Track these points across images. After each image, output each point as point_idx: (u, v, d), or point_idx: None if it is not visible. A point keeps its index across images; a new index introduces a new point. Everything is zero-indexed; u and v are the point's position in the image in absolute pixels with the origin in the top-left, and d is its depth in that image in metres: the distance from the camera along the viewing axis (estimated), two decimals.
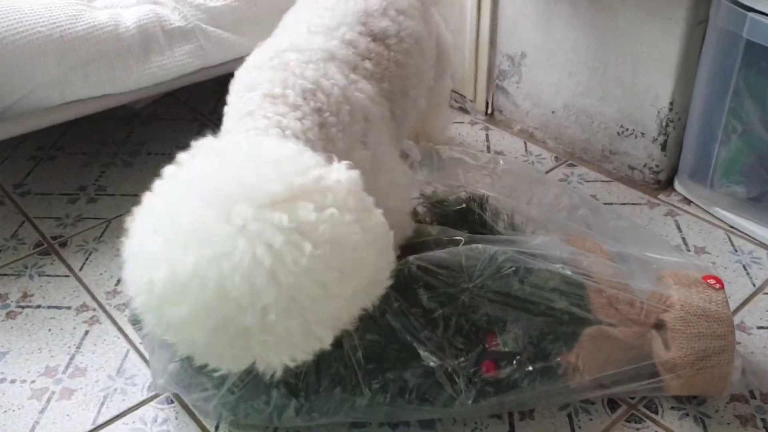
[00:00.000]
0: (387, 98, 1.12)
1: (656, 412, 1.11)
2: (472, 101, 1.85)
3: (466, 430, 1.08)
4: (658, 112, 1.49)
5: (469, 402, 1.00)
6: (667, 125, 1.50)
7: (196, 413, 1.13)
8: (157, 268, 0.75)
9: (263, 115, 0.93)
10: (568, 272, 1.09)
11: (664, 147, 1.52)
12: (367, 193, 0.83)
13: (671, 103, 1.47)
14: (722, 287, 1.07)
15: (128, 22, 1.48)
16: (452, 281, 1.02)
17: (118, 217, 1.53)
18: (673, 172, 1.56)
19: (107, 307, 1.33)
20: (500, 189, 1.18)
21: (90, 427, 1.12)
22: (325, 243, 0.74)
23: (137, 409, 1.15)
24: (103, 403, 1.15)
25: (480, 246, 1.03)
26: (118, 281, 1.39)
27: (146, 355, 1.20)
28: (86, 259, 1.44)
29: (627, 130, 1.56)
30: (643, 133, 1.54)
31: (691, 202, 1.52)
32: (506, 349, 1.02)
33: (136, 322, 1.13)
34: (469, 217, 1.14)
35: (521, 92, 1.74)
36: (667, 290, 1.07)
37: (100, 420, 1.13)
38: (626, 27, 1.47)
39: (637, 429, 1.08)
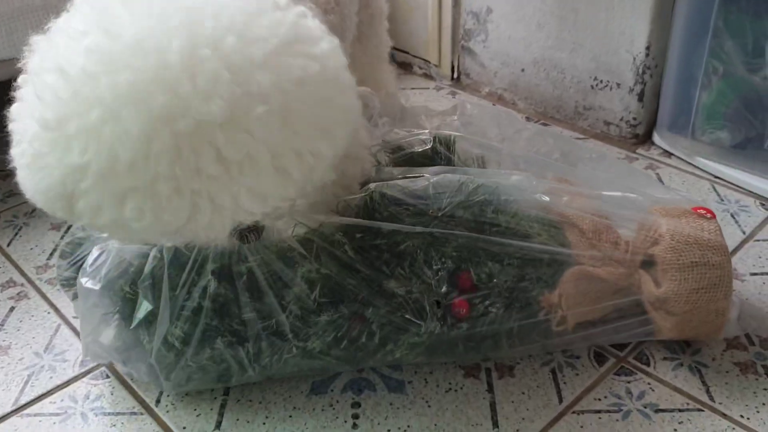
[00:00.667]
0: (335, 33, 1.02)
1: (647, 364, 1.00)
2: (436, 66, 1.75)
3: (440, 391, 0.96)
4: (634, 59, 1.40)
5: (438, 328, 0.88)
6: (643, 72, 1.40)
7: (134, 387, 1.00)
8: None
9: None
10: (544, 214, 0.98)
11: (641, 97, 1.43)
12: None
13: (647, 48, 1.38)
14: (714, 217, 0.97)
15: None
16: (419, 211, 0.90)
17: None
18: (652, 124, 1.46)
19: (37, 282, 1.20)
20: (469, 133, 1.07)
21: (10, 408, 0.98)
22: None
23: (67, 386, 1.01)
24: (27, 382, 1.02)
25: (448, 175, 0.92)
26: (51, 254, 1.25)
27: (76, 325, 1.07)
28: (15, 234, 1.31)
29: (601, 82, 1.47)
30: (618, 84, 1.45)
31: (672, 154, 1.43)
32: (479, 285, 0.91)
33: (65, 282, 1.00)
34: (435, 159, 1.03)
35: (488, 52, 1.64)
36: (655, 221, 0.96)
37: (23, 400, 0.99)
38: None
39: (628, 382, 0.97)
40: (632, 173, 1.12)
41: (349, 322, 0.89)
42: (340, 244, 0.88)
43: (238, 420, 0.94)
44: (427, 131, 1.05)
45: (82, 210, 0.69)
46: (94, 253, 0.95)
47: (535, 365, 1.00)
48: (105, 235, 0.96)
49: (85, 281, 0.93)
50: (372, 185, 0.91)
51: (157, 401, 0.98)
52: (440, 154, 1.04)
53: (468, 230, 0.92)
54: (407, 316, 0.88)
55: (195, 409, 0.96)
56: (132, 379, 1.01)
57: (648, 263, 0.99)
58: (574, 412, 0.93)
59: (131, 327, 0.93)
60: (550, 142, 1.08)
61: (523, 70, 1.58)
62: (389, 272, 0.89)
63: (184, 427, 0.94)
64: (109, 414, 0.97)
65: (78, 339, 1.08)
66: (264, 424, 0.94)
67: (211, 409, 0.96)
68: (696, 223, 0.96)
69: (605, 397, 0.95)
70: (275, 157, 0.69)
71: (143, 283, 0.91)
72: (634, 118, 1.45)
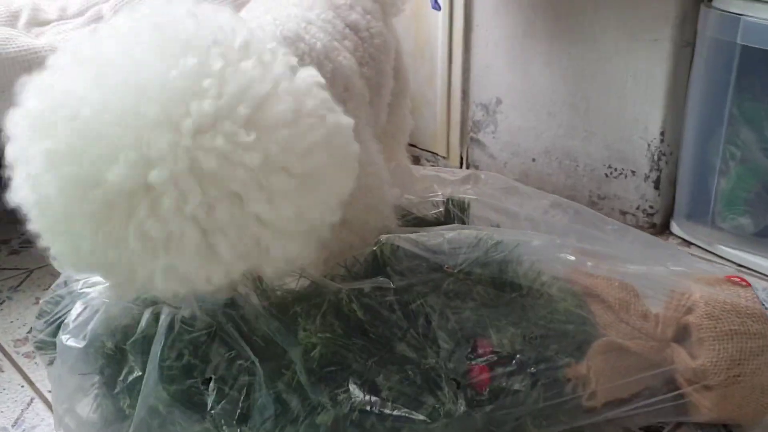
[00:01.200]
0: (367, 83, 1.00)
1: None
2: (445, 158, 1.72)
3: None
4: (649, 146, 1.37)
5: (460, 410, 0.78)
6: (659, 159, 1.37)
7: None
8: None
9: None
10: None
11: (657, 185, 1.39)
12: None
13: (662, 134, 1.35)
14: (749, 286, 0.90)
15: None
16: (434, 266, 0.83)
17: (43, 268, 1.33)
18: (669, 213, 1.41)
19: (13, 356, 1.10)
20: (484, 200, 1.01)
21: None
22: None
23: None
24: None
25: (465, 231, 0.85)
26: (30, 329, 1.16)
27: (51, 399, 0.97)
28: None
29: (615, 170, 1.43)
30: (633, 171, 1.41)
31: (692, 243, 1.37)
32: (501, 352, 0.82)
33: (40, 345, 0.92)
34: (448, 222, 0.97)
35: (498, 143, 1.61)
36: (687, 288, 0.89)
37: None
38: (609, 56, 1.37)
39: None
40: (658, 245, 1.05)
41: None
42: (347, 302, 0.80)
43: None
44: (440, 194, 0.99)
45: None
46: (78, 308, 0.87)
47: None
48: (88, 289, 0.89)
49: (66, 338, 0.85)
50: (383, 237, 0.84)
51: None
52: (454, 217, 0.98)
53: (486, 290, 0.85)
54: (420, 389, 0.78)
55: None
56: None
57: (681, 336, 0.91)
58: None
59: (114, 392, 0.84)
60: (570, 213, 1.02)
61: (534, 159, 1.55)
62: (401, 335, 0.81)
63: None
64: None
65: (51, 414, 0.97)
66: None
67: None
68: (732, 290, 0.89)
69: None
70: (205, 233, 0.62)
71: (133, 344, 0.82)
72: (651, 207, 1.40)
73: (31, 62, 1.29)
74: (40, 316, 0.92)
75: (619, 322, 0.93)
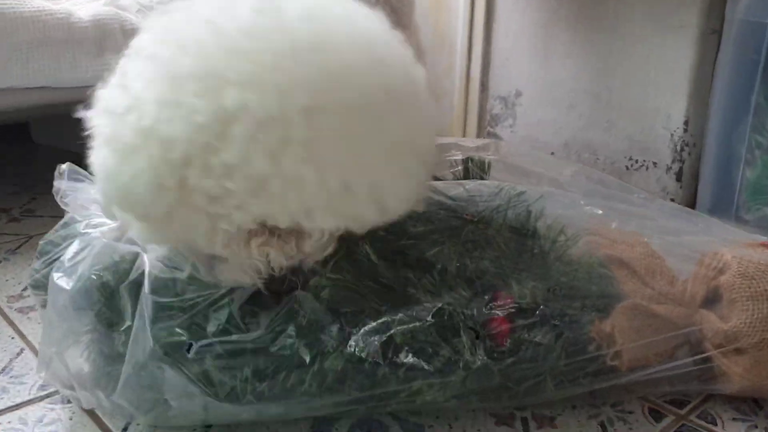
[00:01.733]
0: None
1: (714, 423, 0.83)
2: None
3: None
4: (672, 135, 1.33)
5: (478, 362, 0.72)
6: (681, 150, 1.33)
7: (99, 414, 0.84)
8: None
9: None
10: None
11: (679, 177, 1.34)
12: None
13: (686, 123, 1.31)
14: None
15: (83, 14, 1.33)
16: (453, 213, 0.78)
17: (43, 234, 1.28)
18: (691, 205, 1.36)
19: (6, 309, 1.05)
20: (505, 161, 0.97)
21: None
22: None
23: (18, 408, 0.84)
24: None
25: (486, 182, 0.81)
26: (26, 288, 1.12)
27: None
28: None
29: (636, 162, 1.39)
30: (655, 163, 1.37)
31: None
32: (522, 304, 0.77)
33: (36, 285, 0.87)
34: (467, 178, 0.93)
35: (516, 136, 1.58)
36: (719, 251, 0.84)
37: None
38: (633, 45, 1.34)
39: None
40: (687, 213, 1.01)
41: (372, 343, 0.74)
42: (359, 245, 0.76)
43: None
44: (458, 153, 0.95)
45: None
46: (75, 246, 0.82)
47: (580, 417, 0.84)
48: (91, 230, 0.84)
49: (57, 277, 0.80)
50: None
51: (124, 429, 0.81)
52: (473, 177, 0.94)
53: (507, 241, 0.80)
54: (439, 338, 0.73)
55: None
56: (96, 408, 0.84)
57: (711, 300, 0.85)
58: None
59: (107, 336, 0.79)
60: (594, 178, 0.98)
61: (552, 153, 1.52)
62: (416, 281, 0.76)
63: None
64: None
65: None
66: None
67: None
68: (766, 254, 0.84)
69: None
70: None
71: (128, 287, 0.77)
72: (672, 199, 1.36)
73: (45, 23, 1.28)
74: (39, 255, 0.88)
75: (644, 287, 0.88)
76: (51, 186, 0.91)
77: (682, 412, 0.85)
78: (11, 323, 1.02)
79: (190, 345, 0.71)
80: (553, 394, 0.81)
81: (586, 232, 0.87)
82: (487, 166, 0.95)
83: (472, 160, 0.95)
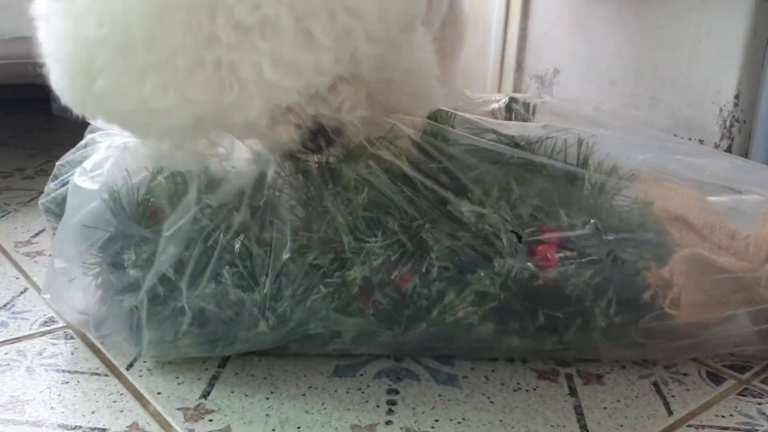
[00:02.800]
0: None
1: None
2: None
3: (505, 389, 0.72)
4: (720, 111, 1.26)
5: (517, 269, 0.65)
6: (731, 126, 1.25)
7: (104, 350, 0.77)
8: None
9: None
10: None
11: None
12: None
13: (736, 97, 1.24)
14: None
15: None
16: (498, 135, 0.71)
17: None
18: None
19: (12, 253, 0.99)
20: (552, 104, 0.90)
21: None
22: None
23: (17, 341, 0.78)
24: None
25: (531, 124, 0.75)
26: (37, 234, 1.06)
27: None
28: (1, 216, 1.12)
29: (682, 139, 1.32)
30: (701, 141, 1.29)
31: None
32: (571, 236, 0.69)
33: (49, 207, 0.81)
34: (509, 118, 0.86)
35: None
36: None
37: None
38: (681, 14, 1.27)
39: (759, 404, 0.72)
40: (749, 166, 0.93)
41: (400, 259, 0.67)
42: (395, 155, 0.69)
43: (233, 392, 0.70)
44: (501, 94, 0.89)
45: (102, 91, 0.61)
46: (101, 153, 0.76)
47: (630, 376, 0.76)
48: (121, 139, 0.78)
49: (81, 179, 0.73)
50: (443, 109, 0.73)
51: (130, 365, 0.74)
52: (515, 114, 0.87)
53: (554, 174, 0.73)
54: (479, 249, 0.66)
55: (177, 377, 0.72)
56: (102, 343, 0.78)
57: None
58: (690, 426, 0.68)
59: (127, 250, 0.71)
60: (650, 134, 0.91)
61: None
62: (454, 199, 0.69)
63: (159, 392, 0.69)
64: (62, 371, 0.73)
65: (46, 304, 0.86)
66: (267, 399, 0.69)
67: (199, 379, 0.72)
68: None
69: (731, 415, 0.70)
70: (300, 18, 0.58)
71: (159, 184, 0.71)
72: None
73: None
74: (54, 177, 0.81)
75: (702, 242, 0.80)
76: (67, 150, 0.85)
77: (744, 376, 0.77)
78: (17, 265, 0.96)
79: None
80: (600, 342, 0.73)
81: (638, 180, 0.80)
82: (532, 108, 0.88)
83: (515, 100, 0.88)
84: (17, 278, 0.92)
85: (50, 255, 0.94)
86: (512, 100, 0.88)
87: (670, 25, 1.29)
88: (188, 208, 0.68)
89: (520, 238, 0.67)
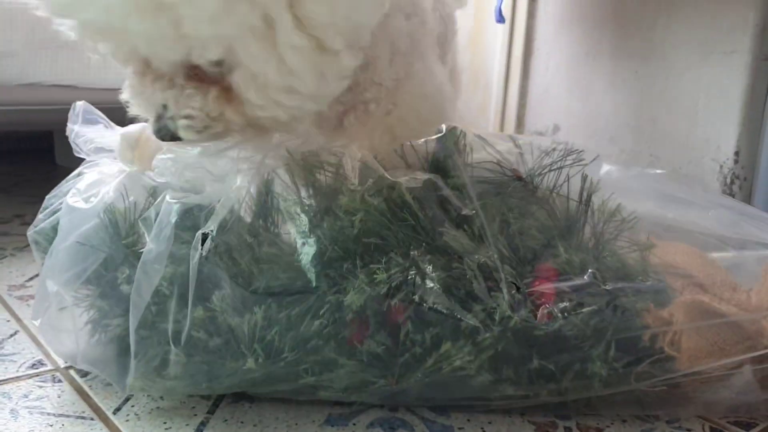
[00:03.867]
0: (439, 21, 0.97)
1: None
2: None
3: None
4: (721, 167, 1.26)
5: (515, 319, 0.63)
6: (732, 182, 1.25)
7: (91, 394, 0.75)
8: None
9: None
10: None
11: None
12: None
13: (736, 154, 1.24)
14: None
15: None
16: (498, 167, 0.71)
17: None
18: None
19: (5, 296, 0.98)
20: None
21: None
22: None
23: (3, 383, 0.76)
24: None
25: (539, 137, 0.74)
26: (31, 279, 1.05)
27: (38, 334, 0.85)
28: None
29: (686, 178, 1.31)
30: None
31: None
32: (569, 272, 0.68)
33: (37, 234, 0.80)
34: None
35: None
36: None
37: None
38: (680, 73, 1.29)
39: None
40: (749, 215, 0.92)
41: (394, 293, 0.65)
42: (392, 187, 0.68)
43: None
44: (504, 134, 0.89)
45: None
46: (94, 176, 0.75)
47: (632, 431, 0.73)
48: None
49: (73, 199, 0.73)
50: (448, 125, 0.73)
51: (117, 409, 0.72)
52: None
53: (555, 208, 0.73)
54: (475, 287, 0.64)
55: (165, 422, 0.70)
56: (90, 387, 0.76)
57: None
58: None
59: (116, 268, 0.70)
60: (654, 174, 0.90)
61: None
62: (452, 231, 0.68)
63: None
64: (48, 414, 0.71)
65: (36, 346, 0.84)
66: None
67: (187, 425, 0.70)
68: None
69: None
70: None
71: (145, 219, 0.70)
72: None
73: None
74: (42, 210, 0.81)
75: (704, 293, 0.79)
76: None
77: None
78: (8, 308, 0.95)
79: (205, 236, 0.64)
80: (601, 390, 0.71)
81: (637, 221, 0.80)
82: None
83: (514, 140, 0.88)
84: (8, 321, 0.91)
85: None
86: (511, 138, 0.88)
87: (669, 83, 1.30)
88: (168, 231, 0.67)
89: (518, 288, 0.66)
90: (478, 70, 1.61)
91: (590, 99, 1.43)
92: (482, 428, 0.72)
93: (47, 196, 0.81)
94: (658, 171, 0.82)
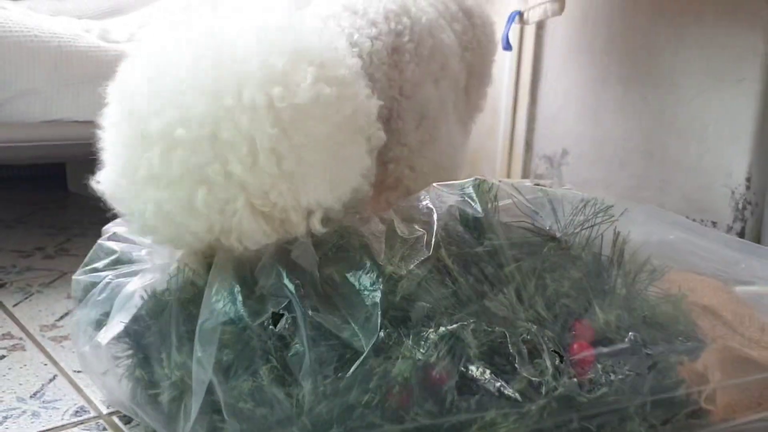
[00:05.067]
0: (466, 68, 0.98)
1: None
2: None
3: None
4: (732, 193, 1.28)
5: (560, 389, 0.65)
6: (743, 208, 1.28)
7: None
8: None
9: (337, 23, 0.86)
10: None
11: (741, 236, 1.29)
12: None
13: (748, 180, 1.27)
14: None
15: None
16: (534, 226, 0.73)
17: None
18: None
19: (38, 338, 0.99)
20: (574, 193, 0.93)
21: None
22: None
23: None
24: (0, 424, 0.78)
25: (569, 189, 0.77)
26: (62, 317, 1.06)
27: (76, 378, 0.87)
28: (25, 298, 1.13)
29: (694, 221, 1.34)
30: (714, 223, 1.31)
31: None
32: (607, 332, 0.70)
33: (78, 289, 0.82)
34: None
35: None
36: None
37: None
38: (689, 99, 1.32)
39: None
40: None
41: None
42: (434, 246, 0.70)
43: None
44: (526, 181, 0.91)
45: None
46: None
47: None
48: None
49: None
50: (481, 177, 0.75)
51: None
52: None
53: (589, 264, 0.75)
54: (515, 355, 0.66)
55: None
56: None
57: None
58: None
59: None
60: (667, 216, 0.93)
61: None
62: (493, 293, 0.70)
63: None
64: None
65: (75, 391, 0.86)
66: None
67: None
68: None
69: None
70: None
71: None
72: None
73: (99, 59, 1.27)
74: (83, 265, 0.83)
75: (733, 334, 0.81)
76: (85, 228, 0.87)
77: None
78: (43, 350, 0.96)
79: (280, 315, 0.66)
80: None
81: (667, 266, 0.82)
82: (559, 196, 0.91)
83: (541, 189, 0.90)
84: (45, 364, 0.92)
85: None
86: (538, 186, 0.90)
87: (678, 110, 1.33)
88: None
89: (561, 357, 0.68)
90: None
91: (599, 124, 1.45)
92: None
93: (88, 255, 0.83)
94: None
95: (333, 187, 0.68)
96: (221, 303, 0.70)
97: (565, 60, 1.50)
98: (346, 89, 0.68)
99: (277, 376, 0.68)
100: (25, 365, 0.92)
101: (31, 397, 0.84)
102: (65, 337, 0.99)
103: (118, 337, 0.76)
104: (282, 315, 0.66)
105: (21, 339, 0.99)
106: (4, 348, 0.96)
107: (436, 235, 0.70)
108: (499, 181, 0.75)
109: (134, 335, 0.75)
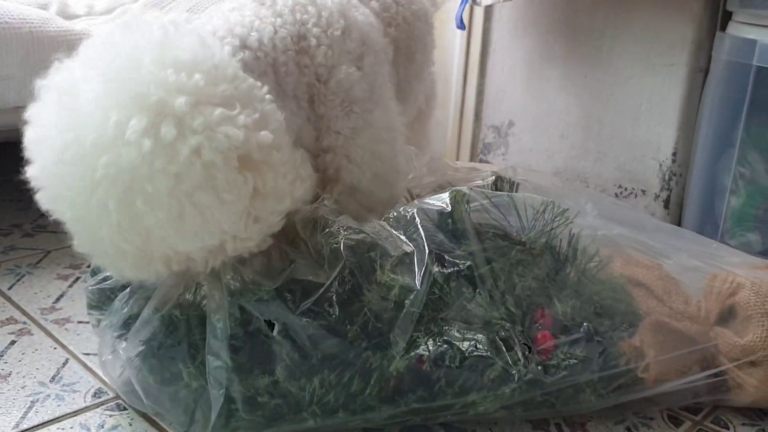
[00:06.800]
0: (392, 42, 1.04)
1: (726, 428, 0.92)
2: None
3: None
4: (660, 165, 1.44)
5: (529, 375, 0.79)
6: (669, 179, 1.43)
7: (158, 420, 0.87)
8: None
9: (240, 14, 0.88)
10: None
11: (666, 204, 1.45)
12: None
13: (674, 154, 1.42)
14: None
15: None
16: (502, 232, 0.86)
17: (61, 249, 1.30)
18: None
19: (41, 322, 1.07)
20: (531, 182, 1.05)
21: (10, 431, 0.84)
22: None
23: (77, 414, 0.87)
24: (31, 408, 0.88)
25: (531, 195, 0.89)
26: (58, 299, 1.14)
27: (87, 361, 0.96)
28: (17, 280, 1.19)
29: (626, 189, 1.49)
30: (643, 191, 1.47)
31: None
32: (564, 321, 0.84)
33: (96, 272, 0.91)
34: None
35: (508, 164, 1.66)
36: (729, 272, 0.93)
37: (26, 425, 0.85)
38: (625, 80, 1.45)
39: None
40: (697, 239, 1.10)
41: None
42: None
43: None
44: (487, 171, 1.03)
45: None
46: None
47: (608, 423, 0.91)
48: None
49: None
50: (461, 188, 0.87)
51: None
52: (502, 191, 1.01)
53: (548, 262, 0.88)
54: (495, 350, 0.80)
55: None
56: (155, 413, 0.88)
57: (726, 318, 0.94)
58: None
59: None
60: (606, 204, 1.06)
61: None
62: (470, 296, 0.83)
63: None
64: None
65: (90, 373, 0.95)
66: None
67: None
68: None
69: None
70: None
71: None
72: None
73: (69, 42, 1.30)
74: (92, 274, 0.92)
75: (662, 306, 0.96)
76: None
77: (697, 418, 0.93)
78: (50, 334, 1.04)
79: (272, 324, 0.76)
80: (588, 406, 0.88)
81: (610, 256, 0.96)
82: (516, 186, 1.03)
83: (501, 178, 1.02)
84: (55, 348, 1.01)
85: (79, 322, 1.04)
86: (498, 178, 1.02)
87: (615, 89, 1.46)
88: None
89: (530, 348, 0.81)
90: (439, 66, 1.73)
91: (543, 98, 1.57)
92: (490, 429, 0.88)
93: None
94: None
95: (194, 236, 0.72)
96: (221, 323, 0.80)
97: (512, 37, 1.60)
98: (197, 136, 0.69)
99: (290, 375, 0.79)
100: (36, 350, 1.00)
101: (50, 381, 0.93)
102: (67, 320, 1.08)
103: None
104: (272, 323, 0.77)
105: (25, 323, 1.06)
106: (12, 333, 1.04)
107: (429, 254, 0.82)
108: (470, 190, 0.87)
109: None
